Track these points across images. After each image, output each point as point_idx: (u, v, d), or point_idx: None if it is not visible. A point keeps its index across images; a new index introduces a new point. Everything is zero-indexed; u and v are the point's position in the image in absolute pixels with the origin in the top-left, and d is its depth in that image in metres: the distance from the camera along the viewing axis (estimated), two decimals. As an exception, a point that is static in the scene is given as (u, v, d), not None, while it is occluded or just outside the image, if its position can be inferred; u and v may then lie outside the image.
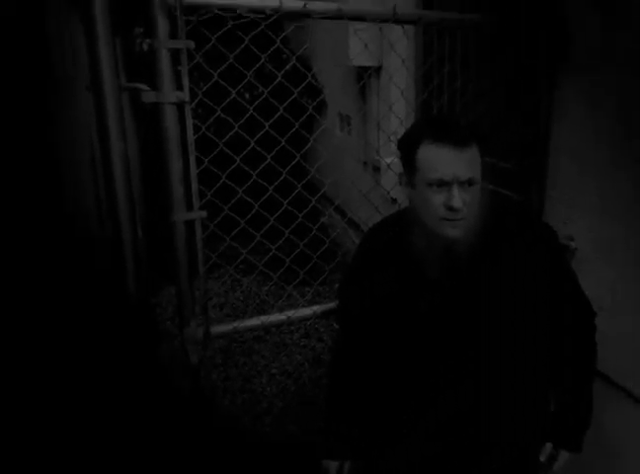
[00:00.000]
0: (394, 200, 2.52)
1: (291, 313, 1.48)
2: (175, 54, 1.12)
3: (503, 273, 1.08)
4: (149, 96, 1.10)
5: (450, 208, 0.99)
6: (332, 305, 1.52)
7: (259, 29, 1.34)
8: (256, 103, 1.58)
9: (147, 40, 1.07)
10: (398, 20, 1.42)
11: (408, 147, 1.05)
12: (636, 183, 1.43)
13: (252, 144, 1.53)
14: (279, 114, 1.57)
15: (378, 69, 2.82)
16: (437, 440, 1.18)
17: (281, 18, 1.26)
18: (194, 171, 1.17)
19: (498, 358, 1.12)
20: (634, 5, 1.35)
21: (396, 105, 2.28)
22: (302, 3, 1.27)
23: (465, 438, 1.16)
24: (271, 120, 1.57)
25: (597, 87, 1.52)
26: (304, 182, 1.74)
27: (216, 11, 1.18)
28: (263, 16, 1.23)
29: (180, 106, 1.14)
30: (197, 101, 2.20)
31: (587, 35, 1.52)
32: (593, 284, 1.49)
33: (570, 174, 1.67)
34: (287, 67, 2.00)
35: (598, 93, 1.53)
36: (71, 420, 1.42)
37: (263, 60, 1.54)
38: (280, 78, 1.57)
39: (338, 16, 1.33)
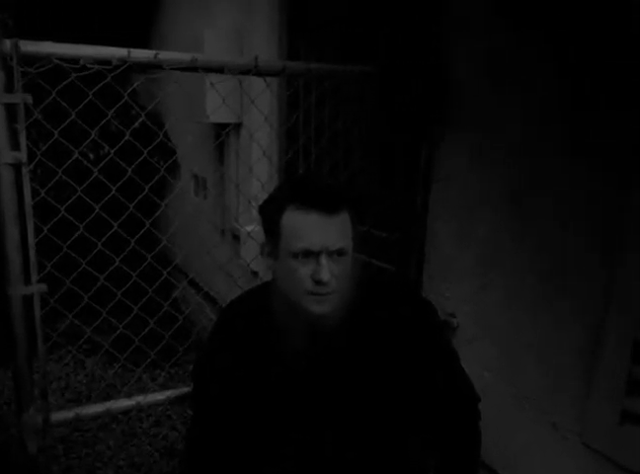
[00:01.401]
0: (255, 273, 2.55)
1: (141, 398, 1.46)
2: (11, 110, 1.11)
3: (372, 354, 1.08)
4: (-18, 156, 1.06)
5: (318, 281, 0.98)
6: (186, 390, 1.51)
7: (104, 81, 1.31)
8: (101, 164, 1.61)
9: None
10: (260, 71, 1.41)
11: (270, 213, 1.04)
12: (524, 256, 1.44)
13: (97, 210, 1.51)
14: (127, 176, 1.57)
15: (238, 126, 2.82)
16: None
17: (130, 69, 1.26)
18: (32, 239, 1.16)
19: (362, 448, 1.14)
20: (521, 69, 1.39)
21: (258, 166, 2.29)
22: (153, 53, 1.27)
23: None
24: (118, 184, 1.56)
25: (480, 149, 1.53)
26: (155, 252, 1.74)
27: (56, 61, 1.15)
28: (109, 67, 1.22)
29: (17, 167, 1.14)
30: (35, 161, 2.11)
31: (473, 93, 1.53)
32: (476, 365, 1.51)
33: (450, 244, 1.66)
34: (136, 124, 2.02)
35: (481, 155, 1.54)
36: None
37: (109, 117, 1.54)
38: (127, 136, 1.56)
39: (192, 67, 1.32)
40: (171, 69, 1.29)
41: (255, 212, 1.21)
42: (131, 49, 1.23)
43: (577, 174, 1.29)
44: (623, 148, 1.19)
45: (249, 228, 2.52)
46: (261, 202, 1.09)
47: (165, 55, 1.28)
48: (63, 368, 3.51)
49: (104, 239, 1.53)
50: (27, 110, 1.11)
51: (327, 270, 0.97)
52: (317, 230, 0.97)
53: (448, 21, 1.55)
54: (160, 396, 1.49)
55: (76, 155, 1.55)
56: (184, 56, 1.31)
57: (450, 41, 1.56)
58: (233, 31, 2.62)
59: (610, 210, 1.22)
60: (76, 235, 1.53)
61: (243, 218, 2.81)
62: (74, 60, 1.18)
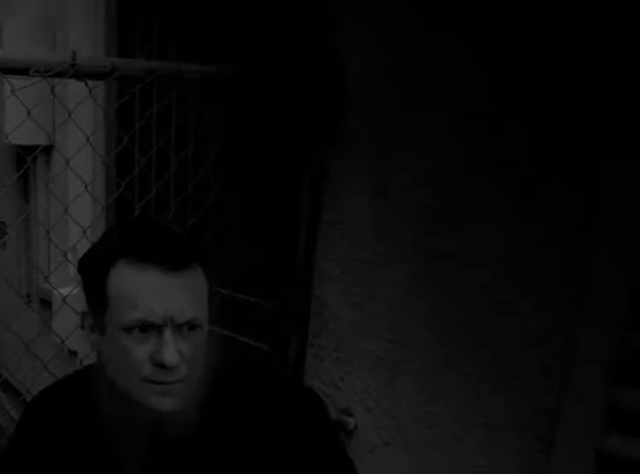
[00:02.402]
0: (74, 353, 2.43)
1: None
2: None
3: (234, 465, 1.04)
4: None
5: (160, 366, 0.92)
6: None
7: None
8: None
9: None
10: (80, 73, 1.31)
11: (94, 271, 0.99)
12: (448, 329, 1.38)
13: None
14: None
15: (49, 150, 2.59)
16: None
17: None
18: None
19: None
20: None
21: (77, 204, 2.06)
22: None
23: None
24: None
25: (384, 178, 1.48)
26: None
27: None
28: None
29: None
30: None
31: (376, 99, 1.46)
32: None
33: (346, 314, 1.58)
34: None
35: (386, 188, 1.47)
36: None
37: None
38: None
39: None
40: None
41: (73, 270, 1.12)
42: None
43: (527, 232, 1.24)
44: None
45: (64, 291, 2.15)
46: (81, 256, 1.03)
47: None
48: None
49: None
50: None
51: (173, 349, 0.92)
52: (158, 294, 0.92)
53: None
54: None
55: None
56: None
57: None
58: (42, 21, 2.42)
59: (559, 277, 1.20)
60: None
61: (56, 278, 2.50)
62: None
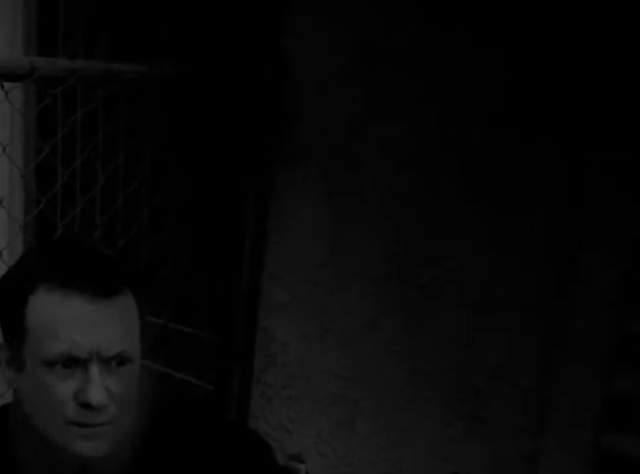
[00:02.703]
0: None
1: None
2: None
3: None
4: None
5: (86, 406, 0.86)
6: None
7: None
8: None
9: None
10: None
11: (11, 299, 0.93)
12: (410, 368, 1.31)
13: None
14: None
15: None
16: None
17: None
18: None
19: None
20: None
21: None
22: None
23: None
24: None
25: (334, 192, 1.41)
26: None
27: None
28: None
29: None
30: None
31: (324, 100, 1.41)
32: None
33: (297, 347, 1.50)
34: None
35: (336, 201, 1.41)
36: None
37: None
38: None
39: None
40: None
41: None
42: None
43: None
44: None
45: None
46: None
47: None
48: None
49: None
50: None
51: (100, 387, 0.87)
52: (83, 325, 0.88)
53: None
54: None
55: None
56: None
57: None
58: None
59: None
60: None
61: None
62: None
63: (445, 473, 1.23)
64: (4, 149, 1.66)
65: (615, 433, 1.07)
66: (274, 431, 1.55)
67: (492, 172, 1.20)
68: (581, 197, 1.14)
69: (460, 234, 1.22)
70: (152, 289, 1.61)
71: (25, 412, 0.96)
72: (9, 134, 2.08)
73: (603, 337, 1.04)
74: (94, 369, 0.88)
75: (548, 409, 1.13)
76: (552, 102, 1.14)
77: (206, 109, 1.51)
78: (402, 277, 1.32)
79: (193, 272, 1.64)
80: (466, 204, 1.23)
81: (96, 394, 0.87)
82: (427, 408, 1.27)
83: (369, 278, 1.36)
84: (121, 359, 0.90)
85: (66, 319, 0.89)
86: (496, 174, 1.20)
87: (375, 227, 1.37)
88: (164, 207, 1.65)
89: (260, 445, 1.12)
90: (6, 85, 1.33)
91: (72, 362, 0.88)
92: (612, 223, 1.11)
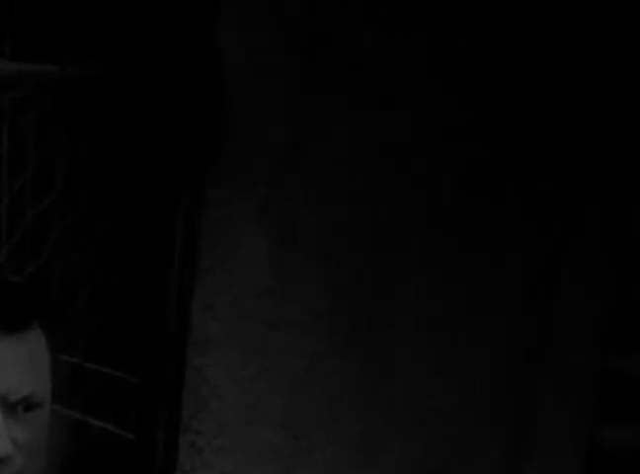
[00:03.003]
0: None
1: None
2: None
3: None
4: None
5: None
6: None
7: None
8: None
9: None
10: None
11: None
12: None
13: None
14: None
15: None
16: None
17: None
18: None
19: None
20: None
21: None
22: None
23: None
24: None
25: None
26: None
27: None
28: None
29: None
30: None
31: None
32: None
33: (232, 392, 1.36)
34: None
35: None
36: None
37: None
38: None
39: None
40: None
41: None
42: None
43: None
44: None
45: None
46: None
47: None
48: None
49: None
50: None
51: (5, 436, 0.74)
52: None
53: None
54: None
55: None
56: None
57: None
58: None
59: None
60: None
61: None
62: None
63: None
64: None
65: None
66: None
67: (457, 217, 1.14)
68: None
69: (419, 265, 1.11)
70: (65, 323, 1.46)
71: None
72: None
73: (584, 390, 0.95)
74: None
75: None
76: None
77: (130, 114, 1.36)
78: (352, 311, 1.21)
79: (112, 302, 1.47)
80: (424, 236, 1.14)
81: (1, 445, 0.77)
82: (380, 463, 1.16)
83: (315, 313, 1.24)
84: (29, 404, 0.80)
85: None
86: (464, 220, 1.14)
87: (322, 250, 1.28)
88: (79, 228, 1.49)
89: None
90: None
91: None
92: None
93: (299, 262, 1.27)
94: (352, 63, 1.20)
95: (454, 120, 1.22)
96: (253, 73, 1.28)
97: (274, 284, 1.28)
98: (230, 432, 1.37)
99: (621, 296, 1.18)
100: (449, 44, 1.23)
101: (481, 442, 1.12)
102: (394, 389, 1.20)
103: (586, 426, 0.98)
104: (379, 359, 1.23)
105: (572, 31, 1.17)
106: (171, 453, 1.43)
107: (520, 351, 1.13)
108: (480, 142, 1.22)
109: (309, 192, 1.26)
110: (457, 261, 1.18)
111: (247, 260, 1.30)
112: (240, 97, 1.28)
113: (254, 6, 1.27)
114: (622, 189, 1.25)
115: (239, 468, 1.38)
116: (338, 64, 1.22)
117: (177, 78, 1.26)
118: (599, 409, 1.01)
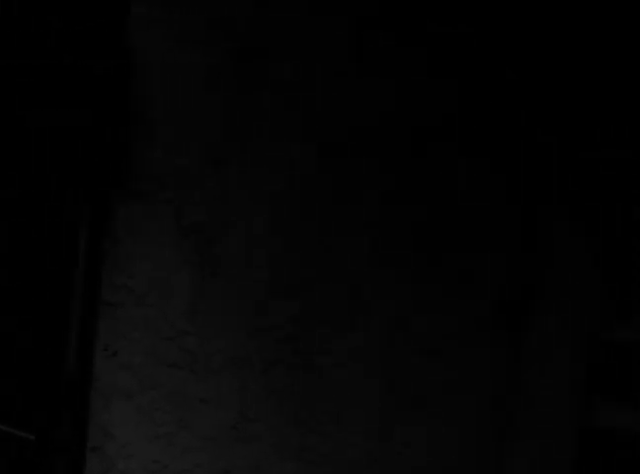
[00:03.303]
0: None
1: None
2: None
3: None
4: None
5: None
6: None
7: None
8: None
9: None
10: None
11: None
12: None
13: None
14: None
15: None
16: None
17: None
18: None
19: None
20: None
21: None
22: None
23: None
24: None
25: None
26: None
27: None
28: None
29: None
30: None
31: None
32: None
33: (138, 448, 1.18)
34: None
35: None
36: None
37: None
38: None
39: None
40: None
41: None
42: None
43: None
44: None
45: None
46: None
47: None
48: None
49: None
50: None
51: None
52: None
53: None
54: None
55: None
56: None
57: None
58: None
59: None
60: None
61: None
62: None
63: None
64: None
65: None
66: None
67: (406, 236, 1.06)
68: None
69: (373, 296, 0.97)
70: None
71: None
72: None
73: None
74: None
75: None
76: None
77: (28, 120, 1.13)
78: (289, 356, 1.05)
79: (2, 347, 1.24)
80: (380, 268, 0.98)
81: None
82: None
83: (243, 358, 1.07)
84: None
85: None
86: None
87: (250, 278, 1.11)
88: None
89: None
90: None
91: None
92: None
93: (221, 293, 1.10)
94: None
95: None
96: (168, 72, 1.08)
97: (193, 323, 1.09)
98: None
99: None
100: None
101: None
102: (341, 448, 1.06)
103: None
104: (317, 405, 1.06)
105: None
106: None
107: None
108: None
109: (234, 212, 1.09)
110: (409, 292, 1.05)
111: (162, 296, 1.10)
112: (154, 99, 1.09)
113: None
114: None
115: None
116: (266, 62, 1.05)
117: (73, 80, 1.06)
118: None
